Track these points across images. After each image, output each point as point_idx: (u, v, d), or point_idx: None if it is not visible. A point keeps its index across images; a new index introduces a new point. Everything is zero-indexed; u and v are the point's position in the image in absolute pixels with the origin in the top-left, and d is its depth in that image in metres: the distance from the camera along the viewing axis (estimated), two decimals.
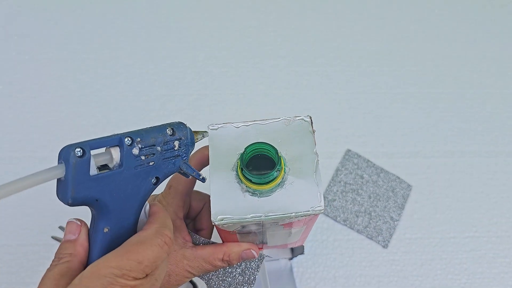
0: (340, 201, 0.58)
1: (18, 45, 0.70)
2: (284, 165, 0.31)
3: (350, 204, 0.58)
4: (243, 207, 0.30)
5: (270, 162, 0.30)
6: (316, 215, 0.31)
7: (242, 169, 0.30)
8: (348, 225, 0.56)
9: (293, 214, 0.30)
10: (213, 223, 0.30)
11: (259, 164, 0.31)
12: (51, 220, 0.56)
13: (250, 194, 0.31)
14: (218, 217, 0.30)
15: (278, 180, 0.30)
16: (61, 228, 0.55)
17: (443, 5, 0.76)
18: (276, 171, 0.30)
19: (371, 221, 0.57)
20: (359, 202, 0.58)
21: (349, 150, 0.62)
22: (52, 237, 0.55)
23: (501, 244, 0.56)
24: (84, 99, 0.65)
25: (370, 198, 0.58)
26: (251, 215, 0.30)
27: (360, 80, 0.68)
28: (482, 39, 0.73)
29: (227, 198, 0.30)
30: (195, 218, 0.40)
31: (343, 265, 0.54)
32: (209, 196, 0.41)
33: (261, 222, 0.31)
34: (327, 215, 0.57)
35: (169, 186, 0.37)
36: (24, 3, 0.74)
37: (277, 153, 0.30)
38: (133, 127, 0.65)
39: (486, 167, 0.61)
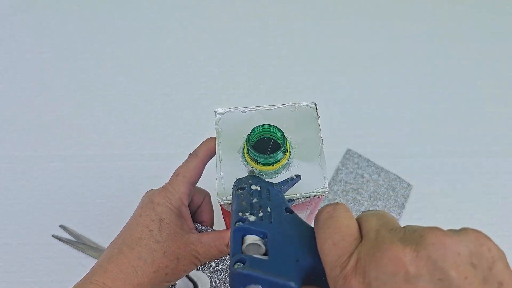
0: (340, 200, 0.58)
1: (19, 44, 0.70)
2: (290, 147, 0.32)
3: (351, 203, 0.58)
4: None
5: (276, 145, 0.31)
6: (320, 197, 0.31)
7: (248, 150, 0.30)
8: None
9: (298, 195, 0.30)
10: (218, 203, 0.31)
11: (265, 148, 0.31)
12: (52, 219, 0.56)
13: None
14: (224, 197, 0.30)
15: (284, 162, 0.31)
16: (61, 227, 0.55)
17: (443, 5, 0.76)
18: (282, 152, 0.30)
19: None
20: (359, 201, 0.58)
21: (349, 150, 0.62)
22: (53, 236, 0.55)
23: (501, 244, 0.56)
24: (85, 98, 0.65)
25: (370, 198, 0.58)
26: None
27: (360, 80, 0.68)
28: (482, 39, 0.73)
29: (233, 179, 0.31)
30: (195, 212, 0.41)
31: None
32: (207, 192, 0.41)
33: None
34: None
35: (176, 174, 0.37)
36: (24, 3, 0.74)
37: (283, 134, 0.30)
38: (133, 127, 0.65)
39: (486, 167, 0.62)
